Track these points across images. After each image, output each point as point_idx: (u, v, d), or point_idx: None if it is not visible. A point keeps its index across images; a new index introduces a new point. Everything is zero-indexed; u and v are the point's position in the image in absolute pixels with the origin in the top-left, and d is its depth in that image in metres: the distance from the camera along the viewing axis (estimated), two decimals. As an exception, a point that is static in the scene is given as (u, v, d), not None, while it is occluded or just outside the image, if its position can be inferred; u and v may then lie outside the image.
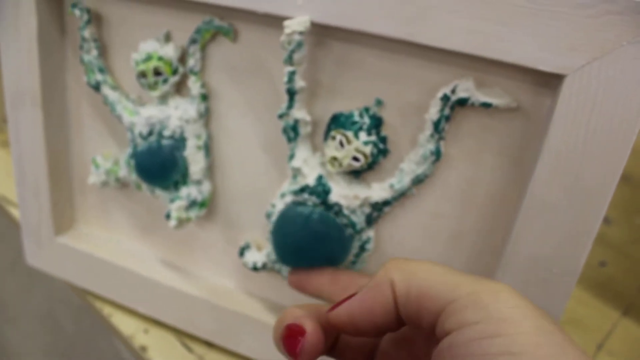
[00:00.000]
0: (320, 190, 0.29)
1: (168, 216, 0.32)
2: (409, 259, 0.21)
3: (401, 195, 0.29)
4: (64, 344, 1.09)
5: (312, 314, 0.23)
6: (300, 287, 0.30)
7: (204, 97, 0.31)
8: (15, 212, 0.46)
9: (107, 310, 0.39)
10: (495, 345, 0.17)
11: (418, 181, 0.29)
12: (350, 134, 0.28)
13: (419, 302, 0.20)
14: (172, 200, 0.33)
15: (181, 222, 0.32)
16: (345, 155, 0.28)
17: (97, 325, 1.13)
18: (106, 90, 0.33)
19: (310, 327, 0.22)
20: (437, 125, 0.27)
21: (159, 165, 0.32)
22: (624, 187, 0.51)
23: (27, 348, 1.10)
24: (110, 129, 0.36)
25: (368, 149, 0.28)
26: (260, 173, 0.32)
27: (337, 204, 0.29)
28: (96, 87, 0.34)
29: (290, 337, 0.22)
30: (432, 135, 0.27)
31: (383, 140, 0.29)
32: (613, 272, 0.44)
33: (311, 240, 0.30)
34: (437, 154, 0.28)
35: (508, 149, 0.27)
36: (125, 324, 0.38)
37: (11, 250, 1.26)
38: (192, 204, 0.33)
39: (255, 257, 0.33)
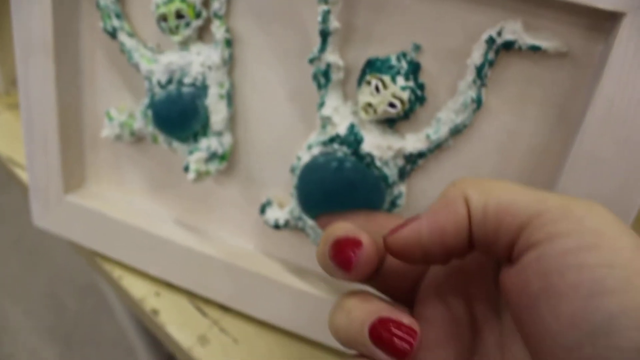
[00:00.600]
0: (352, 140, 0.28)
1: (186, 168, 0.31)
2: (481, 178, 0.20)
3: (437, 147, 0.28)
4: (66, 323, 1.07)
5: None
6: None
7: (228, 43, 0.30)
8: (22, 175, 0.44)
9: (117, 272, 0.38)
10: (593, 257, 0.16)
11: (456, 131, 0.27)
12: (387, 78, 0.26)
13: (498, 219, 0.18)
14: (191, 152, 0.31)
15: (200, 176, 0.31)
16: (381, 100, 0.26)
17: (101, 305, 1.12)
18: (123, 37, 0.32)
19: (365, 239, 0.20)
20: (480, 70, 0.25)
21: (179, 113, 0.30)
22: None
23: (29, 327, 1.08)
24: (126, 80, 0.34)
25: (405, 95, 0.26)
26: (285, 126, 0.31)
27: (369, 155, 0.28)
28: (112, 34, 0.32)
29: (342, 250, 0.20)
30: (474, 82, 0.26)
31: (421, 87, 0.27)
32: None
33: (343, 188, 0.28)
34: (479, 102, 0.26)
35: (553, 99, 0.26)
36: (135, 287, 0.37)
37: (14, 229, 1.25)
38: (212, 156, 0.31)
39: (277, 214, 0.32)
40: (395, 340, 0.19)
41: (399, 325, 0.19)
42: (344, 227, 0.20)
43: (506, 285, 0.18)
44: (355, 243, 0.20)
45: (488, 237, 0.18)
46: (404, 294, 0.23)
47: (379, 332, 0.19)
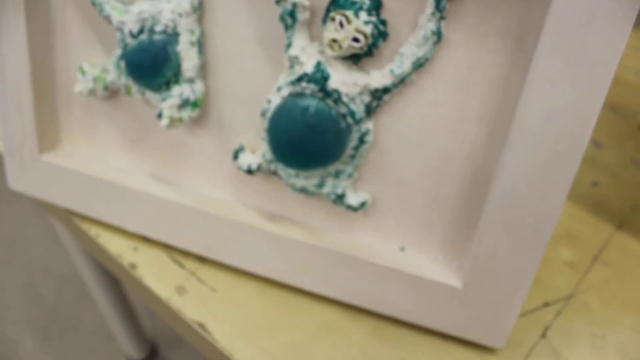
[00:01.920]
0: (319, 77, 0.29)
1: (160, 115, 0.31)
2: None
3: (401, 82, 0.29)
4: (45, 313, 1.07)
5: None
6: None
7: (197, -10, 0.30)
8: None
9: (94, 231, 0.38)
10: None
11: (418, 65, 0.28)
12: (350, 13, 0.27)
13: None
14: (164, 99, 0.32)
15: (173, 122, 0.31)
16: (345, 36, 0.27)
17: (80, 294, 1.12)
18: (93, -10, 0.32)
19: None
20: (438, 2, 0.26)
21: (151, 61, 0.31)
22: (613, 116, 0.52)
23: (8, 319, 1.07)
24: (98, 35, 0.35)
25: (368, 29, 0.27)
26: (255, 70, 0.32)
27: (336, 91, 0.29)
28: (82, -13, 0.32)
29: None
30: (433, 14, 0.27)
31: (383, 22, 0.28)
32: (606, 192, 0.44)
33: (307, 133, 0.29)
34: (438, 34, 0.27)
35: (510, 29, 0.27)
36: (113, 244, 0.37)
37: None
38: (185, 103, 0.32)
39: (250, 159, 0.33)
40: None
41: None
42: None
43: None
44: None
45: None
46: None
47: None
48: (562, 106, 0.26)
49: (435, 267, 0.32)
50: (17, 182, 0.39)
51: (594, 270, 0.38)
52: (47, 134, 0.37)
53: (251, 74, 0.32)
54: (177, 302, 0.34)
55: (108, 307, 0.91)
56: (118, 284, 0.87)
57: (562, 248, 0.39)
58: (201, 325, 0.33)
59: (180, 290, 0.35)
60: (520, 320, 0.35)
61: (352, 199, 0.32)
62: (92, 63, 0.35)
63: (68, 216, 0.39)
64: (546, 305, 0.36)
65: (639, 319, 0.36)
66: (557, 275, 0.38)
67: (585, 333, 0.35)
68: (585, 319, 0.36)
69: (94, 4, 0.33)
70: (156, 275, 0.36)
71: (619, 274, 0.38)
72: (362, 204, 0.32)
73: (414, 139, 0.30)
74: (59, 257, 1.15)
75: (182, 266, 0.36)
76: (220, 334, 0.33)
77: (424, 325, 0.33)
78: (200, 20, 0.31)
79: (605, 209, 0.43)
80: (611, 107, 0.53)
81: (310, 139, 0.29)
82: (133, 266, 0.36)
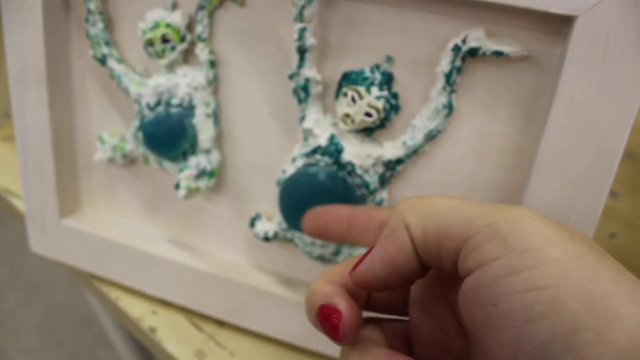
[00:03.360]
0: (333, 150, 0.29)
1: (177, 186, 0.32)
2: (421, 197, 0.20)
3: (414, 153, 0.29)
4: (64, 357, 1.07)
5: (340, 286, 0.21)
6: (317, 235, 0.28)
7: (212, 64, 0.31)
8: (18, 204, 0.45)
9: (114, 294, 0.39)
10: (520, 281, 0.16)
11: (430, 137, 0.28)
12: (362, 89, 0.28)
13: (437, 243, 0.18)
14: (181, 170, 0.33)
15: (190, 192, 0.32)
16: (357, 111, 0.28)
17: (98, 338, 1.12)
18: (112, 64, 0.33)
19: (344, 306, 0.20)
20: (448, 77, 0.27)
21: (168, 133, 0.32)
22: (628, 163, 0.51)
23: (27, 363, 1.08)
24: (116, 106, 0.36)
25: (380, 104, 0.28)
26: (270, 141, 0.32)
27: (349, 163, 0.29)
28: (102, 61, 0.33)
29: (326, 319, 0.20)
30: (444, 88, 0.27)
31: (394, 96, 0.28)
32: (623, 243, 0.43)
33: (321, 198, 0.29)
34: (450, 107, 0.28)
35: (520, 101, 0.27)
36: (132, 307, 0.38)
37: (9, 265, 1.25)
38: (202, 173, 0.32)
39: (266, 226, 0.33)
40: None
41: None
42: (322, 292, 0.21)
43: (459, 309, 0.19)
44: (335, 312, 0.20)
45: (433, 259, 0.19)
46: (400, 310, 0.23)
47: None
48: (575, 178, 0.26)
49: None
50: (38, 245, 0.40)
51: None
52: (68, 199, 0.38)
53: (266, 144, 0.32)
54: (196, 367, 0.34)
55: (126, 352, 0.91)
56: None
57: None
58: (220, 392, 0.33)
59: (200, 354, 0.35)
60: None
61: (368, 264, 0.32)
62: (111, 132, 0.36)
63: (89, 279, 0.40)
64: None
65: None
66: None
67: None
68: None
69: (112, 76, 0.34)
70: (176, 339, 0.36)
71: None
72: (378, 270, 0.32)
73: (428, 207, 0.30)
74: (79, 302, 1.16)
75: (200, 330, 0.36)
76: (239, 401, 0.33)
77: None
78: (215, 92, 0.32)
79: (624, 261, 0.42)
80: (626, 154, 0.53)
81: (319, 202, 0.29)
82: (152, 330, 0.36)
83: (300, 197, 0.30)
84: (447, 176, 0.30)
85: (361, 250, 0.32)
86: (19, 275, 1.24)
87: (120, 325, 0.86)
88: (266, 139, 0.32)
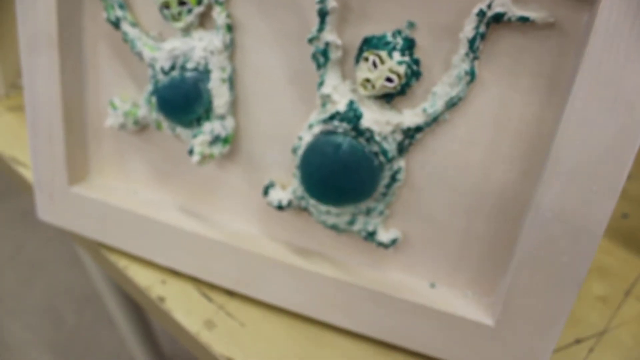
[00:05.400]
0: (352, 116, 0.29)
1: (191, 151, 0.31)
2: None
3: (434, 121, 0.29)
4: (65, 336, 1.07)
5: None
6: None
7: (229, 28, 0.31)
8: (25, 173, 0.45)
9: (122, 262, 0.38)
10: None
11: (451, 105, 0.28)
12: (383, 53, 0.27)
13: None
14: (194, 136, 0.32)
15: (204, 158, 0.32)
16: (378, 76, 0.27)
17: (100, 317, 1.12)
18: (126, 27, 0.33)
19: None
20: (472, 43, 0.26)
21: (182, 97, 0.31)
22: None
23: (28, 341, 1.08)
24: (129, 71, 0.35)
25: (402, 69, 0.27)
26: (286, 108, 0.32)
27: (368, 130, 0.29)
28: (116, 24, 0.33)
29: None
30: (466, 55, 0.27)
31: (416, 62, 0.28)
32: (636, 224, 0.43)
33: (340, 171, 0.29)
34: (472, 74, 0.27)
35: (544, 69, 0.27)
36: (141, 276, 0.37)
37: (11, 244, 1.25)
38: (216, 139, 0.32)
39: (280, 195, 0.33)
40: None
41: None
42: None
43: None
44: None
45: None
46: None
47: None
48: (598, 147, 0.25)
49: (465, 304, 0.32)
50: (46, 213, 0.39)
51: (626, 305, 0.38)
52: (77, 167, 0.38)
53: (282, 111, 0.32)
54: (206, 337, 0.34)
55: (128, 330, 0.91)
56: (138, 306, 0.88)
57: (594, 282, 0.39)
58: (230, 361, 0.33)
59: (209, 324, 0.35)
60: (552, 357, 0.34)
61: (383, 236, 0.32)
62: (123, 98, 0.35)
63: (96, 248, 0.39)
64: (578, 341, 0.35)
65: (674, 356, 0.35)
66: (589, 310, 0.37)
67: (619, 371, 0.34)
68: (619, 356, 0.35)
69: (125, 40, 0.33)
70: (184, 308, 0.36)
71: (651, 308, 0.38)
72: (393, 241, 0.32)
73: (447, 177, 0.30)
74: (80, 280, 1.16)
75: (210, 300, 0.36)
76: (249, 370, 0.33)
77: (455, 363, 0.32)
78: (231, 57, 0.32)
79: (636, 241, 0.42)
80: None
81: (343, 176, 0.29)
82: (161, 299, 0.36)
83: (323, 166, 0.29)
84: (467, 146, 0.29)
85: (379, 219, 0.32)
86: (21, 254, 1.23)
87: (122, 303, 0.86)
88: (282, 106, 0.32)
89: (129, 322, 0.90)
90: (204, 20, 0.32)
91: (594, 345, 0.35)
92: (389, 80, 0.27)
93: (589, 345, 0.35)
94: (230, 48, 0.31)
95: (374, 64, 0.27)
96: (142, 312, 0.89)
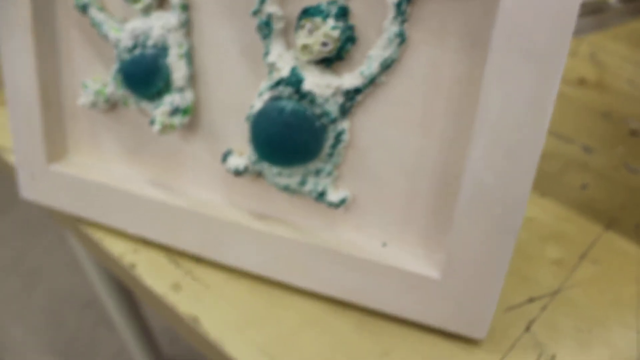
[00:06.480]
0: (294, 80, 0.31)
1: (152, 122, 0.34)
2: None
3: (371, 82, 0.31)
4: (66, 338, 1.10)
5: None
6: None
7: (185, 7, 0.33)
8: (10, 158, 0.48)
9: (98, 235, 0.41)
10: None
11: (385, 66, 0.30)
12: (318, 20, 0.30)
13: None
14: (156, 108, 0.34)
15: (165, 128, 0.34)
16: (315, 41, 0.30)
17: (99, 320, 1.15)
18: (93, 12, 0.35)
19: None
20: (399, 6, 0.29)
21: (144, 72, 0.34)
22: (605, 123, 0.53)
23: (30, 343, 1.11)
24: (99, 54, 0.38)
25: (336, 33, 0.30)
26: (240, 80, 0.34)
27: (310, 93, 0.31)
28: (83, 10, 0.36)
29: None
30: (395, 18, 0.29)
31: (350, 28, 0.30)
32: (594, 194, 0.45)
33: (284, 132, 0.31)
34: (402, 36, 0.29)
35: (469, 29, 0.29)
36: (115, 246, 0.40)
37: (13, 251, 1.28)
38: (176, 110, 0.34)
39: (237, 161, 0.35)
40: None
41: None
42: None
43: None
44: None
45: None
46: None
47: None
48: (519, 97, 0.27)
49: (415, 260, 0.34)
50: (28, 191, 0.42)
51: (581, 268, 0.39)
52: (55, 145, 0.40)
53: (236, 82, 0.34)
54: (173, 298, 0.36)
55: (127, 332, 0.93)
56: (137, 308, 0.90)
57: (550, 247, 0.40)
58: (194, 319, 0.35)
59: (176, 287, 0.37)
60: (505, 315, 0.36)
61: (333, 195, 0.34)
62: (95, 79, 0.38)
63: (75, 223, 0.42)
64: (531, 300, 0.37)
65: (626, 315, 0.36)
66: (544, 272, 0.39)
67: (570, 327, 0.35)
68: (571, 314, 0.36)
69: (93, 24, 0.36)
70: (154, 274, 0.38)
71: (606, 271, 0.39)
72: (342, 201, 0.34)
73: (388, 137, 0.32)
74: (80, 285, 1.18)
75: (178, 266, 0.38)
76: (212, 327, 0.34)
77: (406, 317, 0.34)
78: (188, 35, 0.34)
79: (594, 210, 0.43)
80: (602, 114, 0.54)
81: (287, 137, 0.31)
82: (132, 266, 0.38)
83: (268, 130, 0.32)
84: (404, 106, 0.31)
85: (328, 180, 0.34)
86: (23, 259, 1.27)
87: (121, 307, 0.88)
88: (236, 77, 0.34)
89: (128, 324, 0.92)
90: (162, 2, 0.34)
91: (547, 303, 0.37)
92: (324, 44, 0.30)
93: (542, 304, 0.37)
94: (186, 25, 0.34)
95: (310, 31, 0.30)
96: (140, 314, 0.91)
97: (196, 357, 1.07)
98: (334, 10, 0.30)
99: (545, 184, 0.46)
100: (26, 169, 0.41)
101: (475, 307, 0.33)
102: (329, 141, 0.32)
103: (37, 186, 0.41)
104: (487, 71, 0.28)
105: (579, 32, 0.69)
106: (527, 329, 0.35)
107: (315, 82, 0.31)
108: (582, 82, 0.60)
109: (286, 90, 0.31)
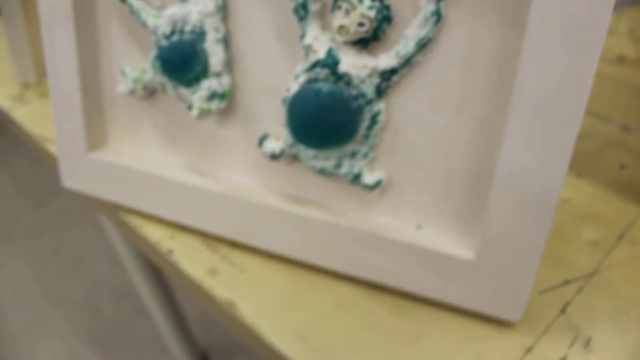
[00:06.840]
0: (331, 62, 0.31)
1: (190, 107, 0.34)
2: None
3: (407, 62, 0.31)
4: (104, 326, 1.12)
5: None
6: None
7: (221, -8, 0.34)
8: (52, 149, 0.49)
9: (136, 222, 0.41)
10: None
11: (422, 45, 0.30)
12: (354, 0, 0.30)
13: None
14: (194, 93, 0.35)
15: (202, 113, 0.34)
16: (351, 21, 0.30)
17: (136, 310, 1.17)
18: (132, 0, 0.36)
19: None
20: (436, -15, 0.29)
21: (182, 58, 0.34)
22: (642, 102, 0.52)
23: (70, 330, 1.14)
24: (137, 41, 0.38)
25: (372, 13, 0.30)
26: (276, 63, 0.34)
27: (346, 74, 0.31)
28: (123, -2, 0.36)
29: None
30: (432, -4, 0.29)
31: (386, 7, 0.30)
32: (633, 174, 0.44)
33: (321, 114, 0.32)
34: (438, 15, 0.29)
35: (506, 5, 0.29)
36: (153, 232, 0.40)
37: (54, 239, 1.32)
38: (213, 95, 0.35)
39: (274, 145, 0.35)
40: None
41: None
42: None
43: None
44: None
45: None
46: None
47: None
48: (557, 72, 0.27)
49: (449, 241, 0.34)
50: (69, 180, 0.43)
51: (618, 249, 0.38)
52: (95, 133, 0.41)
53: (273, 66, 0.34)
54: (209, 283, 0.37)
55: (162, 320, 0.95)
56: (172, 298, 0.91)
57: (586, 228, 0.40)
58: (230, 304, 0.35)
59: (213, 272, 0.37)
60: (540, 297, 0.35)
61: (368, 178, 0.34)
62: (133, 66, 0.39)
63: (113, 210, 0.43)
64: (567, 282, 0.36)
65: (668, 299, 0.35)
66: (580, 254, 0.38)
67: (606, 309, 0.35)
68: (608, 296, 0.36)
69: (132, 12, 0.36)
70: (190, 259, 0.38)
71: (645, 253, 0.38)
72: (378, 183, 0.34)
73: (424, 118, 0.32)
74: (118, 275, 1.21)
75: (214, 251, 0.39)
76: (248, 311, 0.35)
77: (441, 300, 0.34)
78: (225, 19, 0.35)
79: (632, 191, 0.43)
80: (641, 95, 0.53)
81: (324, 119, 0.32)
82: (170, 252, 0.39)
83: (304, 112, 0.32)
84: (440, 86, 0.31)
85: (363, 162, 0.34)
86: (63, 249, 1.30)
87: (157, 296, 0.90)
88: (273, 61, 0.34)
89: (163, 313, 0.94)
90: (199, -12, 0.35)
91: (583, 285, 0.36)
92: (361, 24, 0.30)
93: (577, 286, 0.36)
94: (223, 10, 0.34)
95: (347, 11, 0.30)
96: (175, 303, 0.93)
97: (229, 346, 1.08)
98: (370, -10, 0.30)
99: (582, 164, 0.45)
100: (67, 157, 0.42)
101: (510, 289, 0.32)
102: (365, 122, 0.32)
103: (77, 175, 0.42)
104: (525, 49, 0.27)
105: (617, 6, 0.67)
106: (563, 311, 0.35)
107: (352, 63, 0.31)
108: (620, 59, 0.58)
109: (322, 72, 0.31)
